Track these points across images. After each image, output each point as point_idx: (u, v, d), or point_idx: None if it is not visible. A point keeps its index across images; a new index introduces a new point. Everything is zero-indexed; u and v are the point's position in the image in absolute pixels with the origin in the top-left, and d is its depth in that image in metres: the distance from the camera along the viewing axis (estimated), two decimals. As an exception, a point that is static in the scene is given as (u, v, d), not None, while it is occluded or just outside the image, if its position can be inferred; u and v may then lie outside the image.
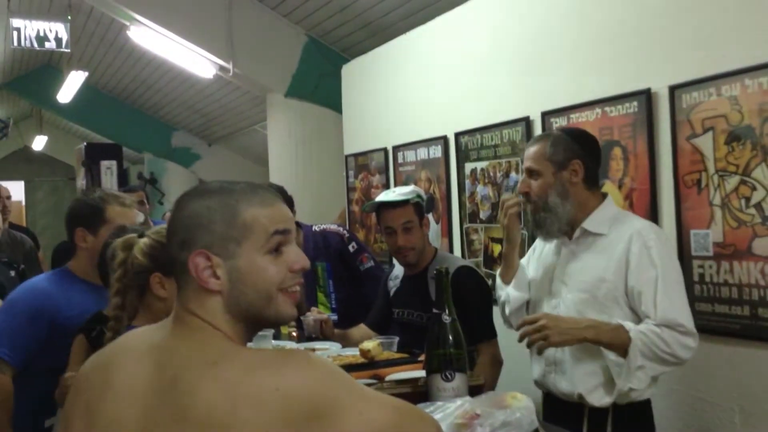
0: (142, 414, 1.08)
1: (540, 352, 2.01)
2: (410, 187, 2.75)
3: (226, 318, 1.12)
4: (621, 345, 1.93)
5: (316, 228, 3.32)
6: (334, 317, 3.06)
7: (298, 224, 3.25)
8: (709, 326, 2.44)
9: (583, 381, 2.04)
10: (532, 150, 2.13)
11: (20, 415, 2.16)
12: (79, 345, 2.02)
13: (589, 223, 2.09)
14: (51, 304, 2.20)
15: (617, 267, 2.00)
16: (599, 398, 2.01)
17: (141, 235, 1.74)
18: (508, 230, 2.21)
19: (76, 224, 2.31)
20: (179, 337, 1.12)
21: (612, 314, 1.99)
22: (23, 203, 14.80)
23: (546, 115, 3.17)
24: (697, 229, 2.49)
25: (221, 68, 6.09)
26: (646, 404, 2.07)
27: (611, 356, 1.97)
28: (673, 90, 2.55)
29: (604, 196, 2.20)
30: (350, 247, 3.19)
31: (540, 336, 1.93)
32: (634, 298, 1.99)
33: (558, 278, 2.15)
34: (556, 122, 3.10)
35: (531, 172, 2.12)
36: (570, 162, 2.07)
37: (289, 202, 3.17)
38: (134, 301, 1.74)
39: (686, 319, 1.94)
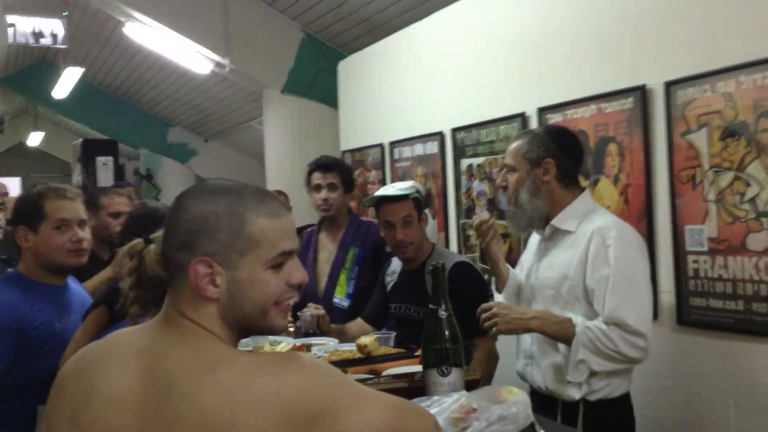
0: (135, 422, 1.05)
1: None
2: (409, 183, 2.76)
3: (219, 323, 1.10)
4: (566, 338, 1.99)
5: (364, 218, 3.36)
6: (346, 303, 3.09)
7: (349, 209, 3.27)
8: (703, 321, 2.46)
9: (551, 375, 2.09)
10: (511, 146, 2.19)
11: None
12: (99, 316, 1.93)
13: (557, 220, 2.12)
14: (14, 315, 2.04)
15: (578, 264, 2.03)
16: (564, 392, 2.04)
17: (148, 241, 1.68)
18: (486, 250, 2.30)
19: (16, 222, 2.16)
20: (172, 341, 1.09)
21: (575, 311, 2.03)
22: (19, 199, 14.78)
23: (542, 111, 3.18)
24: (691, 225, 2.50)
25: (217, 64, 6.08)
26: (622, 400, 2.08)
27: (564, 350, 2.03)
28: (669, 86, 2.56)
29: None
30: (387, 246, 3.22)
31: (490, 324, 2.02)
32: (590, 296, 2.02)
33: (533, 274, 2.21)
34: (551, 118, 3.11)
35: (508, 168, 2.18)
36: (542, 160, 2.11)
37: (347, 170, 3.25)
38: (149, 307, 1.68)
39: (634, 319, 1.94)
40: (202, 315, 1.10)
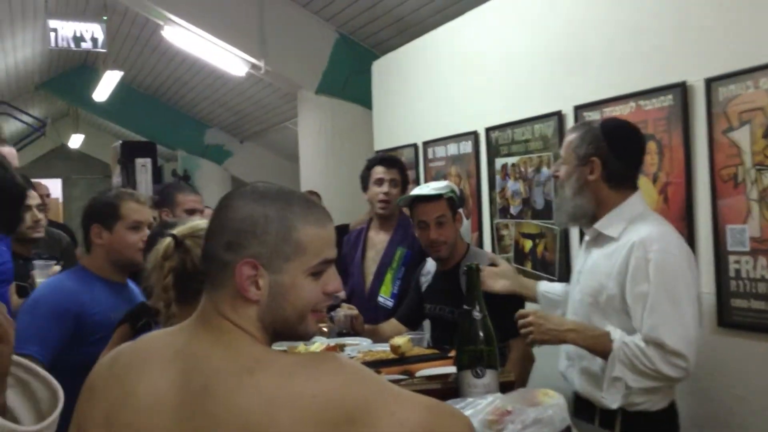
0: (172, 424, 1.06)
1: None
2: (444, 182, 2.75)
3: (257, 326, 1.11)
4: (602, 353, 1.94)
5: None
6: (390, 303, 3.09)
7: (400, 209, 3.27)
8: (745, 322, 2.40)
9: (587, 380, 2.03)
10: (566, 138, 2.12)
11: None
12: (122, 335, 1.99)
13: (601, 224, 2.04)
14: (76, 301, 2.20)
15: (618, 276, 1.95)
16: (601, 400, 1.97)
17: (179, 242, 1.68)
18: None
19: (91, 221, 2.33)
20: (209, 342, 1.10)
21: (612, 321, 1.97)
22: (60, 200, 15.12)
23: (579, 109, 3.13)
24: (733, 224, 2.44)
25: (253, 66, 6.14)
26: (664, 413, 1.99)
27: (601, 362, 1.97)
28: (710, 83, 2.50)
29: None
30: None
31: (526, 332, 1.98)
32: (629, 310, 1.94)
33: (577, 275, 2.16)
34: (588, 116, 3.06)
35: (561, 159, 2.12)
36: (589, 158, 2.02)
37: (405, 168, 3.28)
38: (189, 303, 1.67)
39: (673, 339, 1.85)
40: (241, 316, 1.11)
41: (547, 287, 2.35)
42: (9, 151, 2.36)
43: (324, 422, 1.02)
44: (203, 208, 3.46)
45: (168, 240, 1.64)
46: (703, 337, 2.44)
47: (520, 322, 2.00)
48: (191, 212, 3.31)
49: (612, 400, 1.94)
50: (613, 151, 2.02)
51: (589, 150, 2.02)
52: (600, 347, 1.94)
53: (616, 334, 1.93)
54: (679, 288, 1.90)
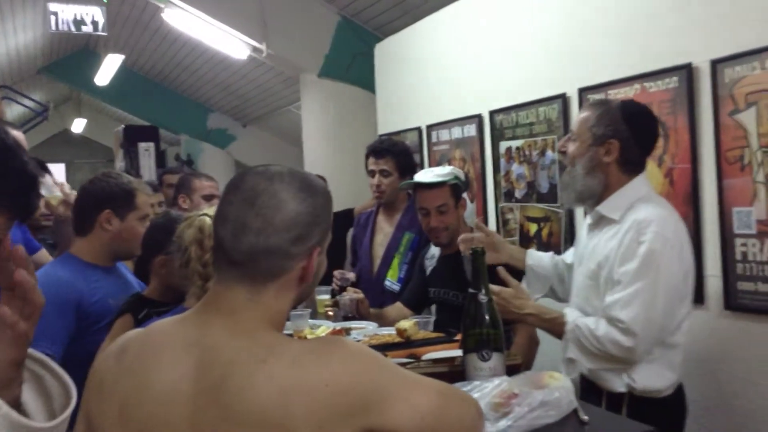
0: (190, 415, 1.05)
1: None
2: (448, 168, 2.73)
3: (287, 308, 1.15)
4: (558, 334, 1.96)
5: None
6: (397, 287, 3.09)
7: (408, 194, 3.27)
8: (752, 305, 2.40)
9: (592, 362, 2.01)
10: (581, 114, 2.07)
11: None
12: (125, 324, 2.00)
13: (604, 207, 2.01)
14: (73, 291, 2.14)
15: (614, 258, 1.92)
16: (606, 383, 1.96)
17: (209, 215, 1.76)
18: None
19: (103, 205, 2.24)
20: (228, 332, 1.08)
21: None
22: (64, 185, 15.13)
23: (583, 92, 3.11)
24: (739, 207, 2.43)
25: (255, 49, 6.10)
26: (672, 397, 1.98)
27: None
28: (715, 64, 2.49)
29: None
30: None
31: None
32: None
33: (579, 258, 2.14)
34: (593, 99, 3.05)
35: (573, 135, 2.07)
36: (606, 140, 1.98)
37: (403, 153, 3.23)
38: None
39: (630, 317, 1.83)
40: (279, 303, 1.13)
41: (535, 260, 2.32)
42: (18, 136, 2.32)
43: (338, 410, 1.02)
44: (219, 194, 3.47)
45: (207, 219, 1.72)
46: (706, 317, 2.45)
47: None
48: (209, 198, 3.34)
49: (618, 383, 1.94)
50: (633, 134, 1.98)
51: (607, 131, 1.98)
52: (555, 329, 1.97)
53: (572, 316, 1.95)
54: (661, 272, 1.87)
